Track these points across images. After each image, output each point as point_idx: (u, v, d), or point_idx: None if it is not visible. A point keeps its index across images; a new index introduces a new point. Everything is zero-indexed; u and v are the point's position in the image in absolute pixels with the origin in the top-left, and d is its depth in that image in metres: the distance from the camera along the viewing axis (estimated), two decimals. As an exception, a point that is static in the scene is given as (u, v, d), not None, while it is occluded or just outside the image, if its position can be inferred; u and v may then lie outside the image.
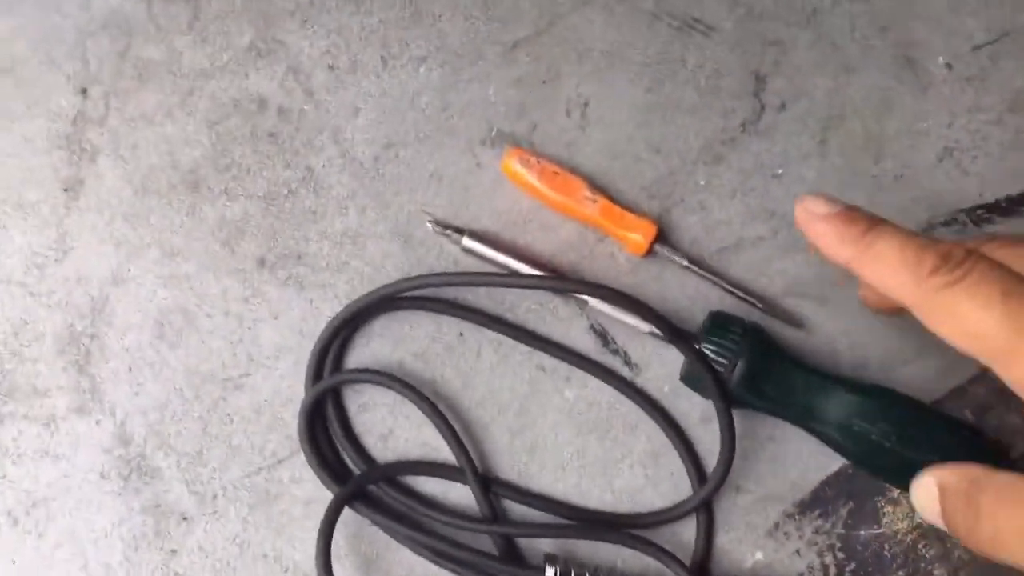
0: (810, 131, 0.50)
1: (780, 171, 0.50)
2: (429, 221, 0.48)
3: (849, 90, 0.50)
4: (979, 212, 0.49)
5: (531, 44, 0.50)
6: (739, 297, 0.48)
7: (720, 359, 0.44)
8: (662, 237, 0.49)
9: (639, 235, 0.47)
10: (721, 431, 0.44)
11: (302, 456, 0.47)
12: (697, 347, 0.44)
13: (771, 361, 0.44)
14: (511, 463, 0.48)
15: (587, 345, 0.49)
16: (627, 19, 0.51)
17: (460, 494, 0.48)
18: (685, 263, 0.48)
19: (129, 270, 0.48)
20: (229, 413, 0.48)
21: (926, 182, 0.50)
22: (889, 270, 0.32)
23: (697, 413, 0.48)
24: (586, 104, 0.50)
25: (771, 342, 0.46)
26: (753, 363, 0.44)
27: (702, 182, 0.50)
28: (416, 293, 0.48)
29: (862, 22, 0.51)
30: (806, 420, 0.44)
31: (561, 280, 0.47)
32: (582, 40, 0.50)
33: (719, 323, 0.45)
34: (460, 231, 0.47)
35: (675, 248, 0.49)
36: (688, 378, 0.46)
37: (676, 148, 0.50)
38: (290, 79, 0.50)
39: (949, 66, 0.50)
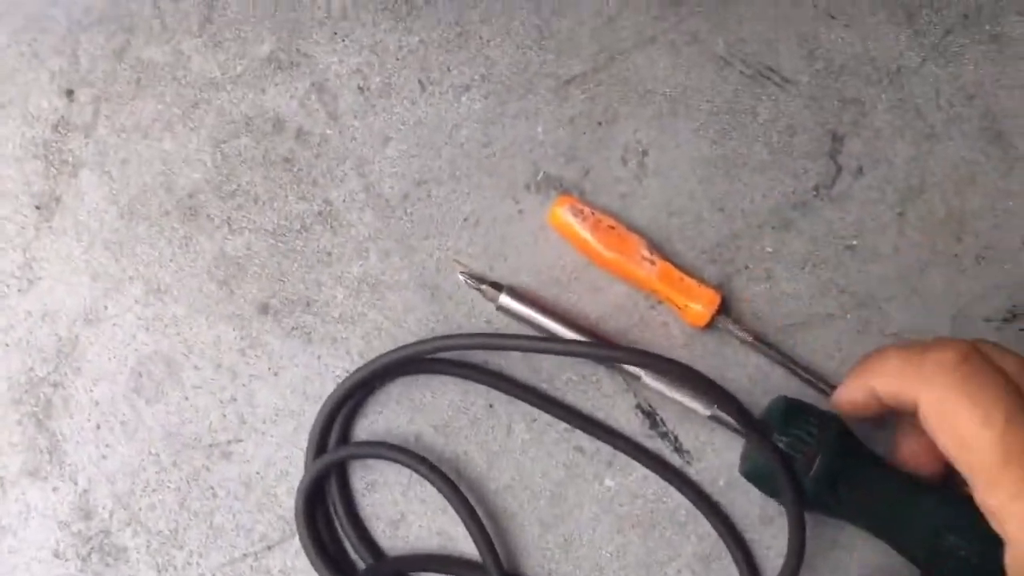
0: (888, 201, 0.46)
1: (855, 242, 0.45)
2: (461, 272, 0.42)
3: (931, 160, 0.46)
4: (1068, 304, 0.45)
5: (587, 81, 0.45)
6: (809, 382, 0.43)
7: (795, 453, 0.38)
8: (724, 308, 0.43)
9: (701, 305, 0.42)
10: (790, 536, 0.39)
11: (297, 542, 0.41)
12: (771, 438, 0.38)
13: (852, 460, 0.39)
14: (541, 561, 0.42)
15: (633, 426, 0.43)
16: (695, 62, 0.46)
17: (478, 594, 0.41)
18: (750, 339, 0.42)
19: (106, 307, 0.42)
20: (213, 486, 0.42)
21: (1010, 266, 0.46)
22: (892, 370, 0.34)
23: (756, 512, 0.43)
24: (645, 152, 0.45)
25: (852, 437, 0.40)
26: (832, 461, 0.38)
27: (769, 249, 0.45)
28: (439, 353, 0.42)
29: (948, 87, 0.47)
30: (888, 530, 0.38)
31: (610, 348, 0.41)
32: (644, 81, 0.46)
33: (794, 411, 0.39)
34: (497, 287, 0.41)
35: (738, 321, 0.43)
36: (753, 473, 0.40)
37: (742, 208, 0.45)
38: (313, 98, 0.43)
39: (1039, 142, 0.46)
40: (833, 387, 0.43)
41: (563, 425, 0.43)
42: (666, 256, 0.44)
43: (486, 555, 0.40)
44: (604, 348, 0.41)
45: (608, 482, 0.43)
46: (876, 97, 0.47)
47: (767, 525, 0.43)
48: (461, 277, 0.42)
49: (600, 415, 0.43)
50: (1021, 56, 0.47)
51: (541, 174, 0.44)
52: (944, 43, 0.48)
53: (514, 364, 0.43)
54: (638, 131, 0.45)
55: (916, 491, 0.38)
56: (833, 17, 0.46)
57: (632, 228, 0.44)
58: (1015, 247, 0.46)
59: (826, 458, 0.38)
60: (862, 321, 0.44)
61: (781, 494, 0.38)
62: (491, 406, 0.43)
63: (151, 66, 0.44)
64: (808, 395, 0.43)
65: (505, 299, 0.41)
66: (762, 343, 0.43)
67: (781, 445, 0.38)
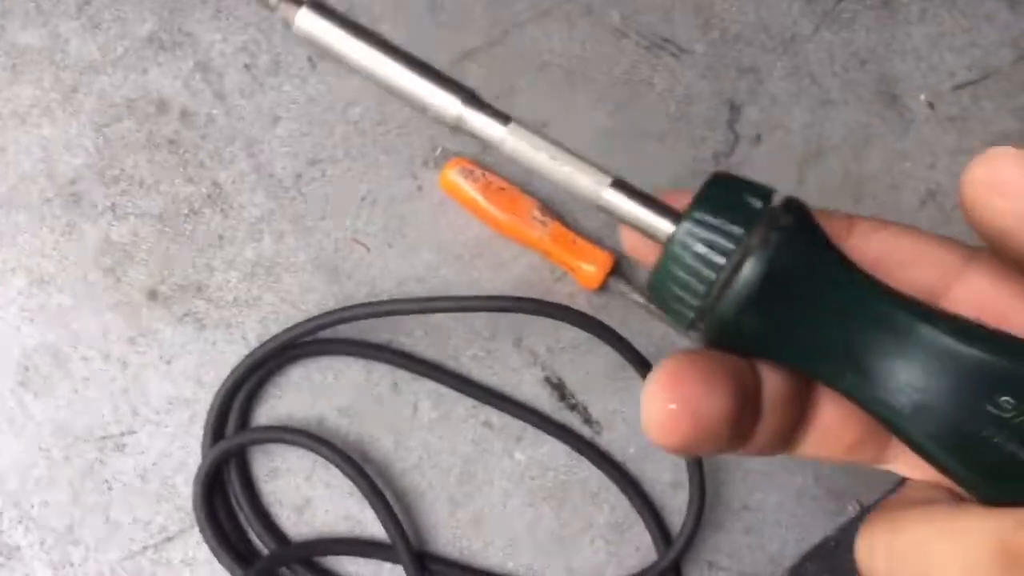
0: (786, 166, 0.46)
1: (755, 209, 0.45)
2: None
3: (827, 125, 0.47)
4: (964, 261, 0.46)
5: (483, 55, 0.45)
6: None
7: (716, 252, 0.20)
8: (620, 271, 0.43)
9: (594, 266, 0.42)
10: (688, 466, 0.39)
11: (197, 532, 0.40)
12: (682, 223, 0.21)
13: (814, 265, 0.21)
14: (452, 538, 0.42)
15: (542, 399, 0.43)
16: (591, 34, 0.46)
17: (389, 576, 0.41)
18: (642, 300, 0.43)
19: (-15, 300, 0.40)
20: (108, 479, 0.40)
21: (907, 226, 0.46)
22: None
23: (667, 478, 0.43)
24: (543, 124, 0.45)
25: (816, 230, 0.21)
26: (781, 262, 0.20)
27: (671, 217, 0.45)
28: (341, 334, 0.41)
29: (841, 53, 0.48)
30: (871, 387, 0.21)
31: (494, 300, 0.41)
32: (540, 54, 0.45)
33: (723, 189, 0.22)
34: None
35: (632, 284, 0.43)
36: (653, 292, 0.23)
37: (642, 179, 0.45)
38: (197, 78, 0.42)
39: (931, 105, 0.47)
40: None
41: (471, 401, 0.42)
42: (561, 219, 0.44)
43: (394, 535, 0.39)
44: (490, 300, 0.41)
45: (518, 456, 0.43)
46: (771, 65, 0.47)
47: (678, 490, 0.43)
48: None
49: (508, 389, 0.43)
50: (911, 20, 0.48)
51: (439, 150, 0.44)
52: (836, 10, 0.48)
53: (419, 342, 0.42)
54: (536, 104, 0.45)
55: (934, 322, 0.20)
56: (724, -15, 0.47)
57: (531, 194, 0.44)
58: (913, 207, 0.47)
59: (770, 258, 0.20)
60: (764, 285, 0.45)
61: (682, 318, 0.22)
62: (396, 385, 0.42)
63: (27, 51, 0.42)
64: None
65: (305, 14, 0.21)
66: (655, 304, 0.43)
67: (698, 238, 0.21)
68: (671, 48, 0.47)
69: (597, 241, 0.44)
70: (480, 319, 0.43)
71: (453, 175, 0.42)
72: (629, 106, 0.46)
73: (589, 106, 0.45)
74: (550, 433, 0.42)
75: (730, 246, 0.20)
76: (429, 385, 0.42)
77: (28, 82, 0.42)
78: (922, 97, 0.48)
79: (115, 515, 0.40)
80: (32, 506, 0.40)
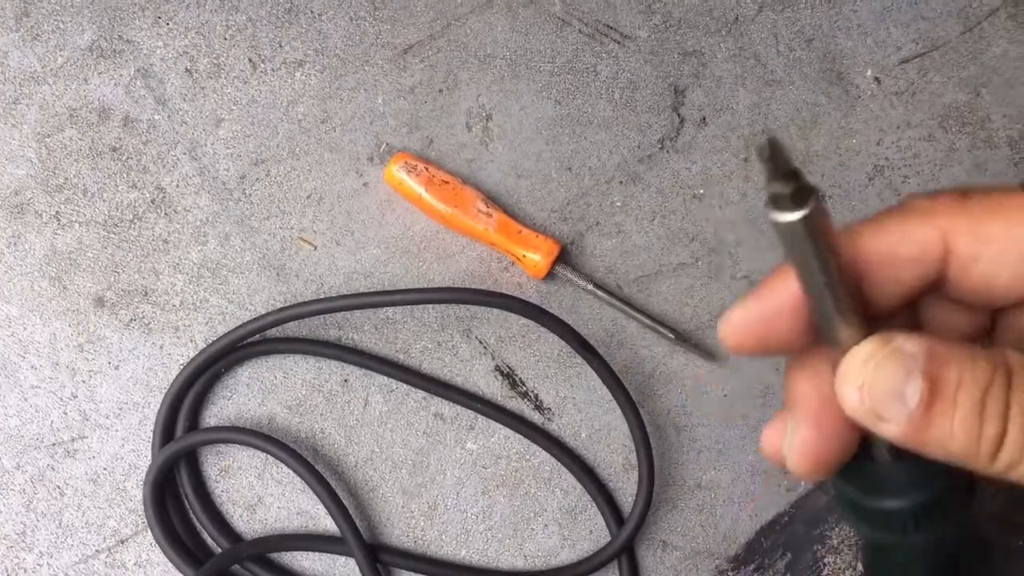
0: (732, 148, 0.46)
1: (702, 191, 0.45)
2: None
3: (773, 105, 0.47)
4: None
5: (425, 49, 0.45)
6: (648, 327, 0.43)
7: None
8: (566, 258, 0.43)
9: (540, 255, 0.42)
10: (636, 447, 0.39)
11: (150, 534, 0.39)
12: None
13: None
14: (406, 530, 0.42)
15: (493, 388, 0.43)
16: (533, 23, 0.46)
17: (347, 570, 0.41)
18: (590, 287, 0.43)
19: (-69, 313, 0.40)
20: (59, 485, 0.40)
21: (857, 203, 0.46)
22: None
23: (619, 461, 0.43)
24: (488, 117, 0.45)
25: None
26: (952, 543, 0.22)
27: (618, 203, 0.45)
28: (289, 332, 0.41)
29: (786, 32, 0.47)
30: None
31: (448, 292, 0.41)
32: (483, 46, 0.45)
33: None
34: None
35: (579, 270, 0.43)
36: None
37: (589, 166, 0.45)
38: (139, 84, 0.42)
39: (878, 80, 0.47)
40: (679, 332, 0.43)
41: (421, 393, 0.42)
42: (506, 210, 0.44)
43: (345, 529, 0.39)
44: (435, 292, 0.41)
45: (470, 445, 0.43)
46: (716, 47, 0.47)
47: (630, 472, 0.43)
48: None
49: (459, 380, 0.43)
50: (854, -4, 0.48)
51: (384, 146, 0.44)
52: (779, -11, 0.48)
53: (368, 337, 0.43)
54: (480, 96, 0.45)
55: None
56: (661, -31, 0.46)
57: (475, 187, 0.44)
58: (862, 183, 0.47)
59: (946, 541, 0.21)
60: (713, 267, 0.45)
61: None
62: (346, 381, 0.42)
63: (-32, 63, 0.42)
64: (652, 339, 0.43)
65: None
66: (602, 290, 0.43)
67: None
68: (614, 35, 0.46)
69: (543, 230, 0.44)
70: (429, 312, 0.43)
71: (396, 170, 0.42)
72: (574, 94, 0.46)
73: (534, 96, 0.45)
74: (501, 421, 0.42)
75: None
76: (379, 379, 0.42)
77: (-30, 95, 0.42)
78: (868, 73, 0.47)
79: (68, 520, 0.40)
80: (-12, 514, 0.40)
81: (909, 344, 0.20)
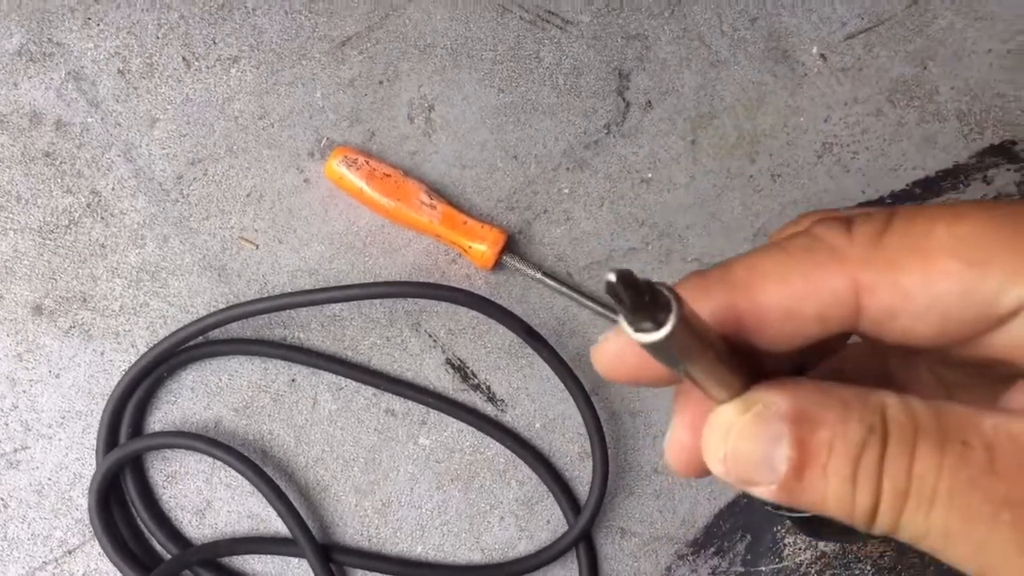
0: (679, 131, 0.46)
1: (650, 175, 0.45)
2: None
3: (719, 86, 0.46)
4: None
5: (364, 40, 0.44)
6: (600, 314, 0.42)
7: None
8: (514, 248, 0.43)
9: (486, 245, 0.41)
10: (590, 434, 0.39)
11: (97, 544, 0.38)
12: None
13: None
14: (360, 528, 0.41)
15: (444, 382, 0.42)
16: (473, 11, 0.45)
17: (300, 571, 0.40)
18: (538, 276, 0.42)
19: None
20: (3, 497, 0.40)
21: (805, 180, 0.46)
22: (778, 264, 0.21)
23: (575, 450, 0.42)
24: (431, 108, 0.44)
25: None
26: None
27: (566, 190, 0.44)
28: (234, 333, 0.40)
29: (730, 12, 0.47)
30: None
31: (394, 286, 0.41)
32: (423, 36, 0.45)
33: None
34: None
35: (527, 259, 0.43)
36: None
37: (535, 154, 0.44)
38: (70, 87, 0.42)
39: (823, 57, 0.47)
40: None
41: (371, 390, 0.42)
42: (453, 202, 0.43)
43: (296, 530, 0.39)
44: (378, 287, 0.41)
45: (423, 440, 0.42)
46: (659, 30, 0.46)
47: (586, 461, 0.42)
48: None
49: (409, 375, 0.42)
50: (797, -26, 0.48)
51: (324, 140, 0.43)
52: (722, -32, 0.48)
53: (315, 335, 0.42)
54: (422, 87, 0.44)
55: None
56: (599, -49, 0.46)
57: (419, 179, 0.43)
58: (810, 161, 0.47)
59: None
60: (664, 251, 0.45)
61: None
62: (293, 380, 0.42)
63: None
64: (600, 325, 0.43)
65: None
66: (551, 278, 0.42)
67: None
68: (556, 20, 0.46)
69: (490, 220, 0.43)
70: (376, 307, 0.43)
71: (336, 165, 0.42)
72: (517, 82, 0.45)
73: (476, 85, 0.45)
74: (454, 415, 0.42)
75: None
76: (328, 377, 0.42)
77: (-102, 104, 0.41)
78: (814, 50, 0.47)
79: (13, 532, 0.39)
80: (-67, 530, 0.39)
81: (775, 407, 0.19)
